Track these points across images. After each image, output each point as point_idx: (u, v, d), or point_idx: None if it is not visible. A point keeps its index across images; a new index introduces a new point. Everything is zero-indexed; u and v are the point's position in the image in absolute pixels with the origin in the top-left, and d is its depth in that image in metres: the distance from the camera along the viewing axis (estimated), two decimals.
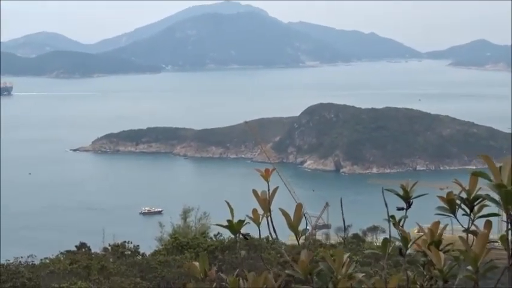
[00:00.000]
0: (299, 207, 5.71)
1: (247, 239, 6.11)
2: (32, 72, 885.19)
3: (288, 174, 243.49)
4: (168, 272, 29.94)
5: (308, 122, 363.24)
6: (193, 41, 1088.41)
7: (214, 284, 5.87)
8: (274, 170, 6.37)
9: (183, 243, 35.15)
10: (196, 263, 5.75)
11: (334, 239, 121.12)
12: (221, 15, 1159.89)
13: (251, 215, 5.79)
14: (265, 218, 5.82)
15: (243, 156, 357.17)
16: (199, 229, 50.38)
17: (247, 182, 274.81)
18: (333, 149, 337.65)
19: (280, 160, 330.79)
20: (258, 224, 5.84)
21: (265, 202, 5.71)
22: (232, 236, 5.96)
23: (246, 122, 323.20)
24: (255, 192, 5.79)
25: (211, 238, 41.09)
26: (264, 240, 37.09)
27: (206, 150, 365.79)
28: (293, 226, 5.71)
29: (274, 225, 5.88)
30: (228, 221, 5.84)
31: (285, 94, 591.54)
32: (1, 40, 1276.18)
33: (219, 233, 41.95)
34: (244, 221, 5.89)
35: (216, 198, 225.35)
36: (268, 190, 5.81)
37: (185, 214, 53.36)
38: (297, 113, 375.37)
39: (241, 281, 5.73)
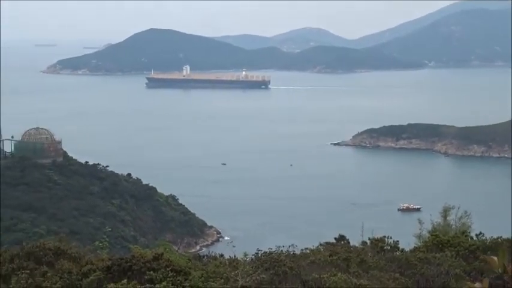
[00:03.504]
0: None
1: None
2: (295, 66, 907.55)
3: None
4: (427, 270, 29.24)
5: None
6: (458, 37, 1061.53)
7: None
8: None
9: (443, 241, 34.18)
10: (495, 258, 5.45)
11: None
12: (488, 11, 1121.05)
13: None
14: None
15: (506, 155, 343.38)
16: (459, 228, 48.78)
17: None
18: None
19: None
20: None
21: None
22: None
23: None
24: None
25: (471, 238, 39.64)
26: None
27: (467, 148, 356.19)
28: None
29: None
30: None
31: None
32: (267, 35, 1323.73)
33: (481, 232, 40.42)
34: None
35: (477, 197, 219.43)
36: None
37: (445, 212, 51.85)
38: None
39: None
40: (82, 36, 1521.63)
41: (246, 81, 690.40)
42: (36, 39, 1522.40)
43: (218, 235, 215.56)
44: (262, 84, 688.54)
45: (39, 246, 27.01)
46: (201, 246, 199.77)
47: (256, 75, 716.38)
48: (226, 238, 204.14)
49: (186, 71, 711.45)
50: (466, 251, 32.86)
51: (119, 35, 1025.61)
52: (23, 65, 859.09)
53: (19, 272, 24.21)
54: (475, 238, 38.17)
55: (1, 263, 25.93)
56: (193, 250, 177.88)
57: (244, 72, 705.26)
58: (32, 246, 27.01)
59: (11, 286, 23.65)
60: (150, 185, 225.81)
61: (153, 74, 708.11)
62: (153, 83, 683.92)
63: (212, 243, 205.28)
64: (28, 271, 24.18)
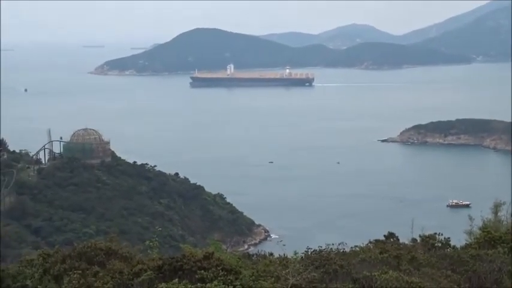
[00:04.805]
0: None
1: None
2: (342, 63, 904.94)
3: None
4: (479, 267, 28.91)
5: None
6: (506, 30, 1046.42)
7: None
8: None
9: (495, 238, 33.74)
10: None
11: None
12: None
13: None
14: None
15: None
16: (510, 224, 48.03)
17: None
18: None
19: None
20: None
21: None
22: None
23: None
24: None
25: None
26: None
27: None
28: None
29: None
30: None
31: None
32: (313, 33, 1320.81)
33: None
34: None
35: None
36: None
37: (496, 208, 51.11)
38: None
39: None
40: (130, 37, 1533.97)
41: (289, 79, 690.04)
42: (84, 41, 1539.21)
43: (266, 234, 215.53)
44: (306, 82, 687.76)
45: (90, 246, 27.25)
46: (249, 245, 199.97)
47: (300, 72, 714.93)
48: (273, 236, 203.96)
49: (230, 70, 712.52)
50: None
51: (165, 35, 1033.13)
52: (71, 66, 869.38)
53: (71, 272, 24.44)
54: None
55: (53, 263, 26.23)
56: (241, 249, 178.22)
57: (287, 70, 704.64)
58: (84, 247, 27.26)
59: (63, 286, 23.89)
60: (198, 184, 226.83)
61: (197, 74, 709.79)
62: (197, 83, 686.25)
63: (260, 242, 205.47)
64: (80, 271, 24.40)
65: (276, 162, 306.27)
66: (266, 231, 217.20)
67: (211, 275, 23.28)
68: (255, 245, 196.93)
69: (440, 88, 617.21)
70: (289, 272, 24.22)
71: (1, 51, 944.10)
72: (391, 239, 36.45)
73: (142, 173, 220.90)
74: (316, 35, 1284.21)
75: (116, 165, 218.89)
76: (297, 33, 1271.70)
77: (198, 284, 22.33)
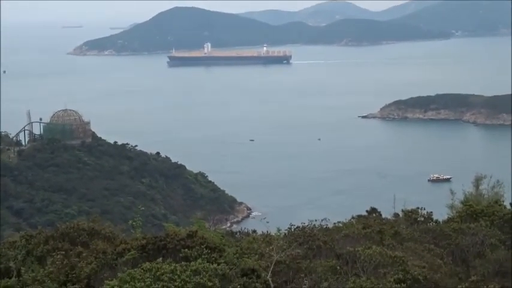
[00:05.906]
0: None
1: None
2: (322, 40, 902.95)
3: None
4: (462, 240, 29.18)
5: None
6: (485, 5, 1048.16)
7: None
8: None
9: (477, 211, 33.99)
10: None
11: None
12: None
13: None
14: None
15: None
16: (491, 197, 48.43)
17: None
18: None
19: None
20: None
21: None
22: None
23: None
24: None
25: (505, 207, 39.28)
26: None
27: (497, 117, 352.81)
28: None
29: None
30: None
31: None
32: (293, 10, 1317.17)
33: None
34: None
35: (507, 166, 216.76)
36: None
37: (477, 182, 51.48)
38: None
39: None
40: (109, 17, 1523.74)
41: (267, 56, 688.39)
42: (63, 21, 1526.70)
43: (248, 211, 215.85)
44: (284, 59, 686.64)
45: (73, 227, 27.19)
46: (231, 223, 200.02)
47: (277, 50, 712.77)
48: (256, 214, 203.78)
49: (207, 49, 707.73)
50: (501, 220, 32.60)
51: (144, 14, 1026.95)
52: (50, 47, 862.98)
53: (54, 253, 24.36)
54: (508, 207, 37.83)
55: (36, 245, 26.12)
56: (224, 227, 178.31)
57: (265, 48, 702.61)
58: (67, 227, 27.19)
59: (47, 267, 23.80)
60: (179, 163, 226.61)
61: (175, 53, 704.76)
62: (175, 62, 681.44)
63: (242, 220, 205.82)
64: (63, 252, 24.34)
65: (256, 140, 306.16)
66: (248, 208, 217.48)
67: (195, 253, 23.28)
68: (238, 222, 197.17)
69: (419, 63, 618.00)
70: (273, 248, 24.25)
71: None
72: (374, 214, 36.59)
73: (124, 152, 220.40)
74: (296, 12, 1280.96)
75: (97, 146, 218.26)
76: (276, 11, 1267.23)
77: (182, 262, 22.31)
